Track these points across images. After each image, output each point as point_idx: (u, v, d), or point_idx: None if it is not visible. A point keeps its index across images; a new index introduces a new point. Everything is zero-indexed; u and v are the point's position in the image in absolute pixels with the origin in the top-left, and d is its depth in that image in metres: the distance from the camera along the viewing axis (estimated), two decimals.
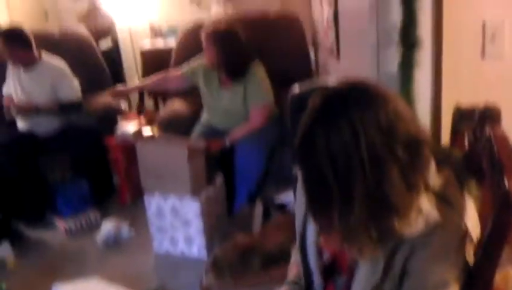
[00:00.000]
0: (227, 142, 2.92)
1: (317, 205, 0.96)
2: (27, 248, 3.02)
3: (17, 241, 3.00)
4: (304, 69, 3.48)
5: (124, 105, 4.17)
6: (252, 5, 4.29)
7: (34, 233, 3.15)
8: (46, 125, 3.29)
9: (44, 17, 5.09)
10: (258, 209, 2.66)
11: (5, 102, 3.34)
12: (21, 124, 3.34)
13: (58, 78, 3.30)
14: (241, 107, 3.00)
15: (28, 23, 3.63)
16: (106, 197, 3.43)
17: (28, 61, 3.25)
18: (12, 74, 3.32)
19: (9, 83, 3.36)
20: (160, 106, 4.47)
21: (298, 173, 0.97)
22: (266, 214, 2.67)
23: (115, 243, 2.94)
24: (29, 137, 3.29)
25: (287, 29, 3.55)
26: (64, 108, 3.29)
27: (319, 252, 1.14)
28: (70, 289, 2.05)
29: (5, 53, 3.20)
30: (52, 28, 4.11)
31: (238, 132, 2.94)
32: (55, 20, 5.06)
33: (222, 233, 2.58)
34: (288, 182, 2.51)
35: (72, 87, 3.34)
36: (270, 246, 2.17)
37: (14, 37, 3.15)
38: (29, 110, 3.25)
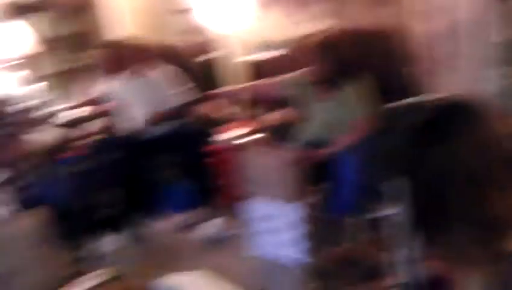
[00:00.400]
0: (329, 152, 2.96)
1: (427, 221, 0.96)
2: (141, 240, 3.28)
3: (133, 233, 3.27)
4: (404, 83, 3.45)
5: (231, 111, 4.34)
6: (351, 19, 4.28)
7: (147, 227, 3.41)
8: (159, 129, 3.53)
9: (149, 31, 5.44)
10: (359, 220, 2.66)
11: (106, 107, 3.60)
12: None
13: (163, 87, 3.52)
14: (342, 119, 3.02)
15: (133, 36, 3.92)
16: (210, 198, 3.59)
17: (138, 72, 3.50)
18: (123, 83, 3.54)
19: (113, 91, 3.58)
20: (267, 113, 4.57)
21: (405, 187, 0.97)
22: (367, 226, 2.67)
23: (216, 243, 3.08)
24: (142, 139, 3.55)
25: (386, 43, 3.53)
26: (169, 115, 3.51)
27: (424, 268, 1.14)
28: (177, 280, 2.18)
29: (117, 63, 3.45)
30: (156, 41, 4.38)
31: (340, 143, 2.97)
32: (159, 33, 5.38)
33: (322, 241, 2.62)
34: (387, 196, 2.49)
35: (176, 95, 3.56)
36: (370, 259, 2.17)
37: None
38: (161, 118, 3.49)
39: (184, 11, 4.95)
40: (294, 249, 2.77)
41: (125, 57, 3.44)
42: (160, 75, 3.53)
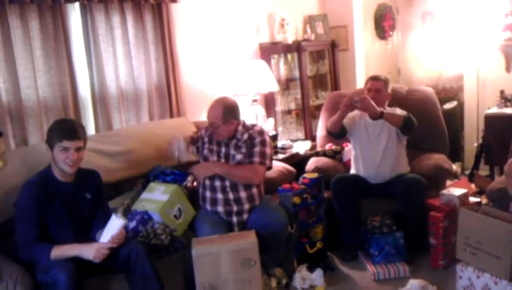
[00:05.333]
0: None
1: None
2: (336, 279, 3.29)
3: (329, 271, 3.31)
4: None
5: (456, 168, 4.10)
6: None
7: (345, 268, 3.42)
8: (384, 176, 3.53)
9: (397, 75, 5.49)
10: None
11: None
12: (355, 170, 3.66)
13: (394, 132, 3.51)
14: None
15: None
16: (418, 255, 3.41)
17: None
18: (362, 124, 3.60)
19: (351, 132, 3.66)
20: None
21: None
22: None
23: None
24: (360, 179, 3.57)
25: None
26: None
27: None
28: None
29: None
30: (402, 85, 4.37)
31: None
32: (406, 79, 5.39)
33: None
34: None
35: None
36: None
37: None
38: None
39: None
40: None
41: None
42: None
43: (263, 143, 3.12)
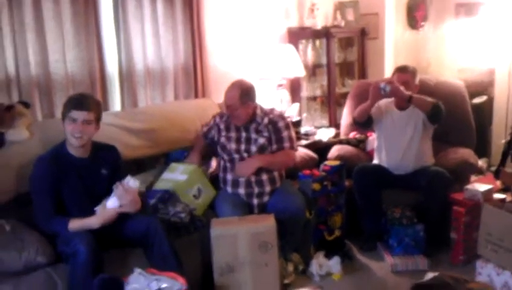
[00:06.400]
0: None
1: None
2: (353, 268, 3.28)
3: (347, 259, 3.30)
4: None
5: (482, 164, 4.02)
6: None
7: (363, 258, 3.40)
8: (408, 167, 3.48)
9: (426, 66, 5.39)
10: None
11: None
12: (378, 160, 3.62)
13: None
14: None
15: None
16: (438, 249, 3.37)
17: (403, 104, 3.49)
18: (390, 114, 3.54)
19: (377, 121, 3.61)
20: None
21: None
22: None
23: None
24: (383, 170, 3.53)
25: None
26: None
27: None
28: None
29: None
30: (431, 77, 4.28)
31: None
32: (435, 70, 5.29)
33: None
34: None
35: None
36: None
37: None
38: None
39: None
40: None
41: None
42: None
43: (288, 127, 3.17)
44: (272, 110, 3.25)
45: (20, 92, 3.01)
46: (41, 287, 2.30)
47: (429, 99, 3.32)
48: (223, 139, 3.18)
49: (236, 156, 3.12)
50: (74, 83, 3.22)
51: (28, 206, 2.54)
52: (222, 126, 3.22)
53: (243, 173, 3.06)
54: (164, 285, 2.09)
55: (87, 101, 2.56)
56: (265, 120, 3.14)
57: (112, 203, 2.50)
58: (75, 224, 2.45)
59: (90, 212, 2.51)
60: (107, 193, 2.57)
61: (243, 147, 3.11)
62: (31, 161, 2.58)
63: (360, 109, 3.46)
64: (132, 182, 2.55)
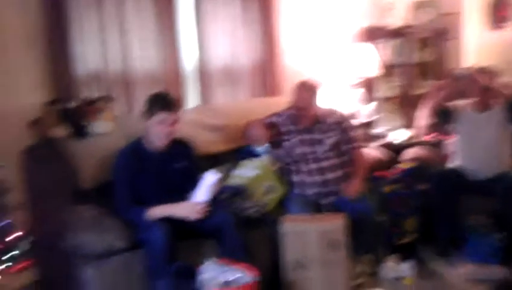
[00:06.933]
0: None
1: None
2: (426, 273, 3.17)
3: (420, 265, 3.21)
4: None
5: None
6: None
7: (436, 264, 3.29)
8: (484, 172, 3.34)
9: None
10: None
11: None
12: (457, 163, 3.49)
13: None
14: None
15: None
16: None
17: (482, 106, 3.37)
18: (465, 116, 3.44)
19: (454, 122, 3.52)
20: None
21: None
22: None
23: None
24: (461, 175, 3.41)
25: None
26: None
27: None
28: None
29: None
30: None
31: None
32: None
33: None
34: None
35: None
36: None
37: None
38: None
39: None
40: None
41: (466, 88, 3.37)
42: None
43: (352, 127, 3.27)
44: (331, 110, 3.25)
45: (104, 87, 3.19)
46: (121, 270, 2.44)
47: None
48: (295, 141, 3.17)
49: (304, 158, 3.12)
50: (153, 80, 3.37)
51: (110, 195, 2.68)
52: (292, 127, 3.20)
53: (352, 193, 3.05)
54: (237, 275, 2.13)
55: (173, 102, 2.64)
56: (330, 120, 3.13)
57: (201, 196, 2.54)
58: (153, 212, 2.54)
59: (166, 203, 2.59)
60: (183, 186, 2.64)
61: (309, 149, 3.12)
62: (113, 153, 2.71)
63: (437, 98, 3.48)
64: (213, 175, 2.58)
